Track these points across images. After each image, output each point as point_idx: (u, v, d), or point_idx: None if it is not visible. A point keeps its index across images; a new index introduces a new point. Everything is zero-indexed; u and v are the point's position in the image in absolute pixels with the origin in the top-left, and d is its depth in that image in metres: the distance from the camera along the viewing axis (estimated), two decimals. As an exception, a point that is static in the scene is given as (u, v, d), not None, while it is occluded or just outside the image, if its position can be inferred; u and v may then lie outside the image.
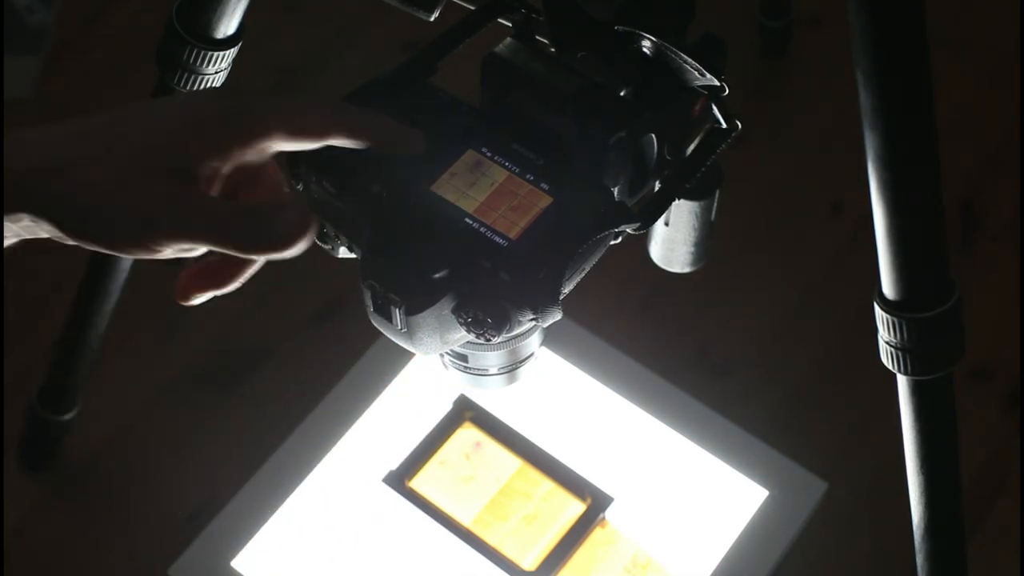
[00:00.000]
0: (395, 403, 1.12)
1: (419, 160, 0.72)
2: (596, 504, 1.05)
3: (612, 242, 0.72)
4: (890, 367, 0.74)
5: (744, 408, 1.13)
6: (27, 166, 0.64)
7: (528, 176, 0.71)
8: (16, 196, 0.64)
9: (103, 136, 0.65)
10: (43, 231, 0.65)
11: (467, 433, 1.09)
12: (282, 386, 1.19)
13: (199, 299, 0.69)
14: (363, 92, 0.74)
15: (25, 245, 0.67)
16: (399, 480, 1.06)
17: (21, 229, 0.65)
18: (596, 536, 1.05)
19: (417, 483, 1.07)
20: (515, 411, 1.10)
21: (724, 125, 0.74)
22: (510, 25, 0.75)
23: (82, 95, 1.37)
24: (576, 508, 1.05)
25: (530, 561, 1.04)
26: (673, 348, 1.18)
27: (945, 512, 0.80)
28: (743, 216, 1.26)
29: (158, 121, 0.65)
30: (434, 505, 1.06)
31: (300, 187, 0.73)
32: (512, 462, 1.08)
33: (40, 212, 0.64)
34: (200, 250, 0.65)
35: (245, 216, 0.64)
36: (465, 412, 1.09)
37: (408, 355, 1.11)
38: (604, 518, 1.05)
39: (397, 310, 0.69)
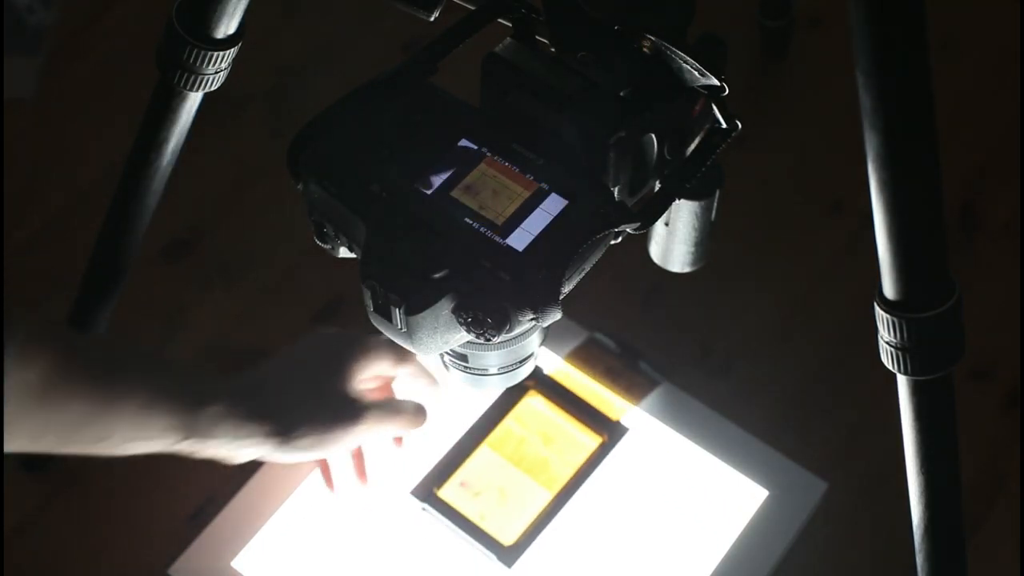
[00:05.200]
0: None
1: (419, 160, 0.72)
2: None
3: (612, 242, 0.72)
4: (890, 367, 0.74)
5: (744, 408, 1.13)
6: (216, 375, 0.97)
7: (528, 176, 0.71)
8: (208, 389, 0.92)
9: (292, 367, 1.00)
10: (219, 442, 0.92)
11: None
12: (282, 386, 1.19)
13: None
14: (363, 92, 0.74)
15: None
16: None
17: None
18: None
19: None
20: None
21: (724, 125, 0.74)
22: (510, 25, 0.75)
23: (82, 95, 1.37)
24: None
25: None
26: (673, 348, 1.18)
27: (945, 512, 0.80)
28: (743, 216, 1.26)
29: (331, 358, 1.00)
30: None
31: (300, 187, 0.73)
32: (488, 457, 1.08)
33: (240, 405, 0.93)
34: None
35: (409, 406, 1.03)
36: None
37: (408, 355, 1.11)
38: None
39: (397, 310, 0.69)
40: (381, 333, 0.73)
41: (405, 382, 1.06)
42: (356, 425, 0.99)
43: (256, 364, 1.03)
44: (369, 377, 1.03)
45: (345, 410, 0.99)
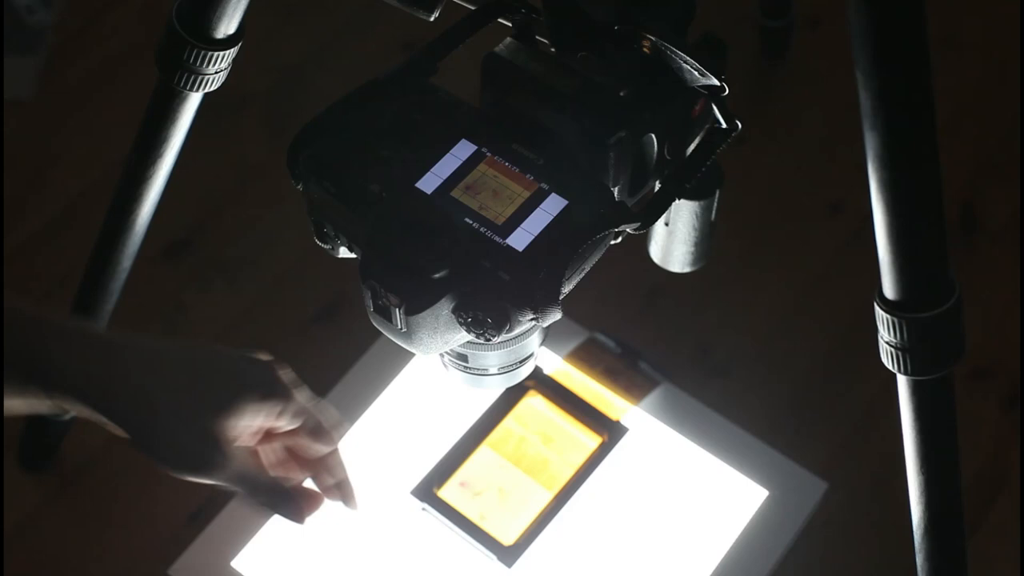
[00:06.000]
0: (395, 403, 1.12)
1: (419, 160, 0.72)
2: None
3: (612, 242, 0.72)
4: (890, 367, 0.74)
5: (744, 408, 1.13)
6: (71, 355, 0.81)
7: (528, 176, 0.71)
8: (55, 377, 0.79)
9: (160, 366, 0.83)
10: (75, 411, 0.81)
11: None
12: (282, 386, 1.19)
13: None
14: (363, 92, 0.74)
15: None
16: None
17: (49, 405, 0.80)
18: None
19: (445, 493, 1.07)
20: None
21: (724, 125, 0.74)
22: (510, 25, 0.75)
23: (82, 95, 1.37)
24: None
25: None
26: (673, 348, 1.18)
27: (945, 512, 0.80)
28: (743, 216, 1.26)
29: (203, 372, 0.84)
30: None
31: (300, 187, 0.73)
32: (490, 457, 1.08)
33: (90, 403, 0.80)
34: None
35: (269, 490, 0.87)
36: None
37: (408, 355, 1.11)
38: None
39: (397, 310, 0.69)
40: (383, 334, 0.73)
41: (300, 442, 0.89)
42: (205, 478, 0.83)
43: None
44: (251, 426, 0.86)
45: (198, 458, 0.83)
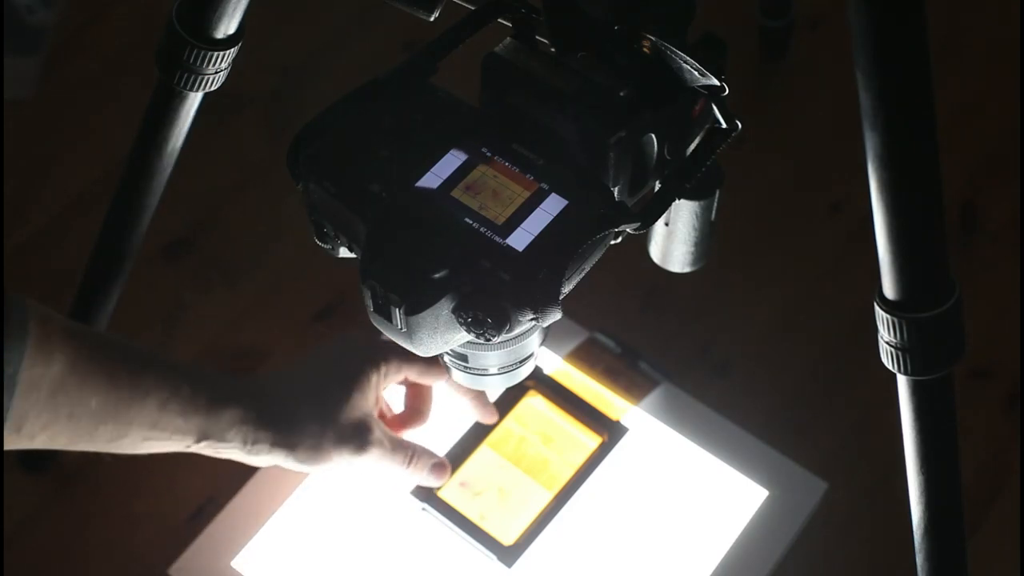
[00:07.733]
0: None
1: (419, 160, 0.72)
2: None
3: (612, 242, 0.72)
4: (890, 367, 0.74)
5: (744, 408, 1.13)
6: (229, 378, 0.92)
7: (528, 176, 0.71)
8: (220, 387, 0.90)
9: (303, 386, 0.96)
10: (233, 446, 0.91)
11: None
12: (282, 386, 1.19)
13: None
14: (363, 92, 0.74)
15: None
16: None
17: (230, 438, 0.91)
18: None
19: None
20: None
21: (724, 125, 0.74)
22: (510, 25, 0.75)
23: (82, 95, 1.37)
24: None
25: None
26: (673, 348, 1.18)
27: (945, 512, 0.80)
28: (743, 216, 1.26)
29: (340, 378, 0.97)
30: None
31: (300, 187, 0.73)
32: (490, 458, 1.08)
33: (250, 410, 0.91)
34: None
35: (420, 449, 1.02)
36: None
37: (408, 355, 1.11)
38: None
39: (397, 310, 0.69)
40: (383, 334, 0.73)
41: (450, 391, 1.05)
42: (357, 457, 0.96)
43: (258, 365, 1.02)
44: (394, 383, 1.01)
45: (350, 439, 0.95)
